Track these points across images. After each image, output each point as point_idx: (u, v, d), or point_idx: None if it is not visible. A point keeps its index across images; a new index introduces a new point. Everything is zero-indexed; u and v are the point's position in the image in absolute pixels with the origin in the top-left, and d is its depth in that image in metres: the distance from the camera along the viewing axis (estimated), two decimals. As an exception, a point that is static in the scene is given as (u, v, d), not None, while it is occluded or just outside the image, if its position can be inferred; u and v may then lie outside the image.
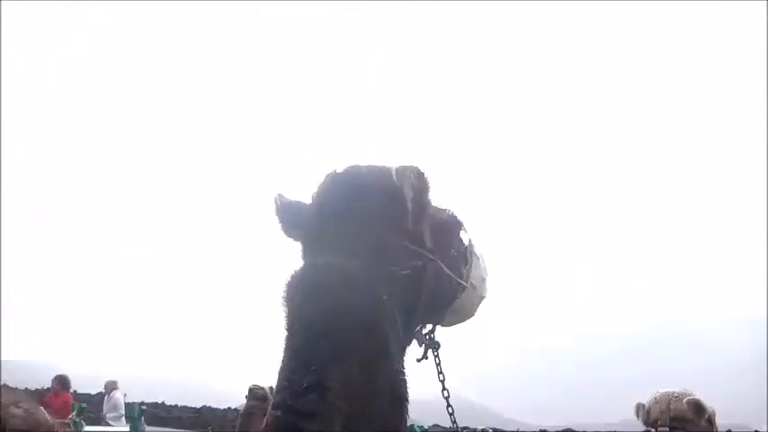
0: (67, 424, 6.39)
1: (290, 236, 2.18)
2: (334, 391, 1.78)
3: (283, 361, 1.90)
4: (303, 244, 2.13)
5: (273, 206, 2.19)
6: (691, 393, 4.08)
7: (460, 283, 2.27)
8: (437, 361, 2.27)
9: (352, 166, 2.15)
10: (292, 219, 2.16)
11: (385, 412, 1.92)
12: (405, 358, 2.07)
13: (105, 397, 18.15)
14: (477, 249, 2.40)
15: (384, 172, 2.08)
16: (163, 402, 45.78)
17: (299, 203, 2.18)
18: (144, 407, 6.74)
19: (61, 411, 12.87)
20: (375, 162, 2.18)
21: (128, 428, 6.90)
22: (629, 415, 4.25)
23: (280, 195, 2.20)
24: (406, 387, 2.00)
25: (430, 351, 2.26)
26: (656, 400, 4.13)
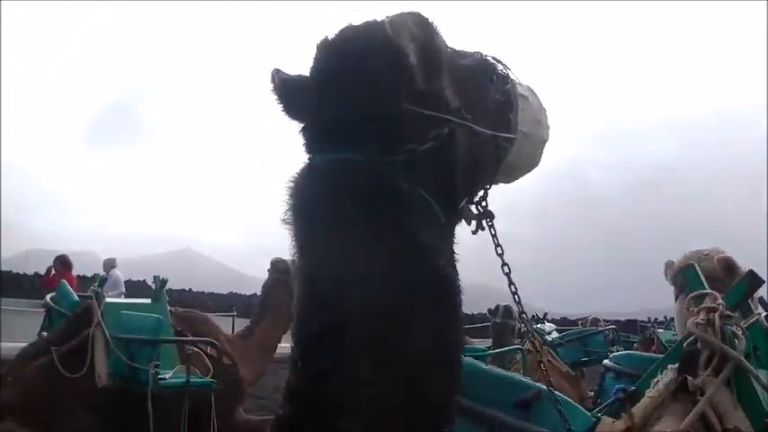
0: (89, 296, 6.29)
1: (293, 118, 1.85)
2: (356, 328, 1.50)
3: (296, 293, 1.63)
4: (304, 135, 1.80)
5: (271, 84, 1.88)
6: (722, 251, 3.82)
7: (506, 137, 1.94)
8: (492, 232, 1.95)
9: (345, 28, 1.78)
10: (293, 98, 1.84)
11: (430, 325, 1.60)
12: (452, 243, 1.75)
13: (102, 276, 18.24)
14: (523, 88, 2.06)
15: (379, 28, 1.69)
16: (190, 289, 46.55)
17: (300, 79, 1.85)
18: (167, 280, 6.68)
19: None
20: (374, 19, 1.77)
21: (148, 300, 6.79)
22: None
23: (277, 71, 1.88)
24: (450, 280, 1.67)
25: (484, 222, 1.94)
26: (686, 258, 3.89)
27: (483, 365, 2.56)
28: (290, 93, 1.83)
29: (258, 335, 7.60)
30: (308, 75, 1.80)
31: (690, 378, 2.19)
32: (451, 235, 1.76)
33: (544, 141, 2.12)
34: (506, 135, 1.94)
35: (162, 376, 5.84)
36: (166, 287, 6.89)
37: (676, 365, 2.27)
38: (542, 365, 2.40)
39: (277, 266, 7.54)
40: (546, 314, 10.68)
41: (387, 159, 1.59)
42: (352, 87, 1.66)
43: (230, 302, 31.70)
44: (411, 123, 1.64)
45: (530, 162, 2.11)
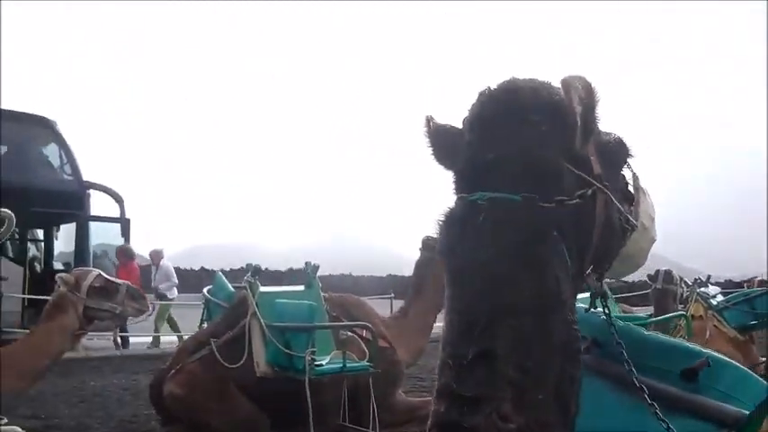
0: (243, 286, 6.41)
1: (441, 164, 1.93)
2: (503, 359, 1.55)
3: (446, 326, 1.67)
4: (456, 175, 1.85)
5: (424, 129, 1.96)
6: None
7: (630, 221, 1.99)
8: (607, 311, 2.07)
9: (509, 81, 1.84)
10: (445, 145, 1.92)
11: (559, 372, 1.65)
12: (575, 307, 1.78)
13: (153, 268, 18.30)
14: (643, 183, 2.12)
15: (546, 85, 1.79)
16: (350, 274, 47.51)
17: (452, 128, 1.93)
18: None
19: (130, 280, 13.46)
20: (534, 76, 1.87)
21: (301, 287, 6.84)
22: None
23: (431, 117, 1.97)
24: (579, 339, 1.73)
25: (598, 300, 2.06)
26: None
27: (643, 331, 2.40)
28: (442, 139, 1.93)
29: (413, 315, 7.54)
30: (458, 125, 1.89)
31: None
32: (576, 297, 1.81)
33: (653, 240, 2.16)
34: (630, 219, 2.00)
35: (318, 362, 5.87)
36: (327, 273, 6.93)
37: None
38: (708, 331, 2.26)
39: (428, 244, 7.46)
40: (709, 276, 10.16)
41: (542, 204, 1.64)
42: (515, 134, 1.71)
43: (389, 285, 32.07)
44: (563, 178, 1.71)
45: (640, 256, 2.15)
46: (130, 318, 6.26)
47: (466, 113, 1.87)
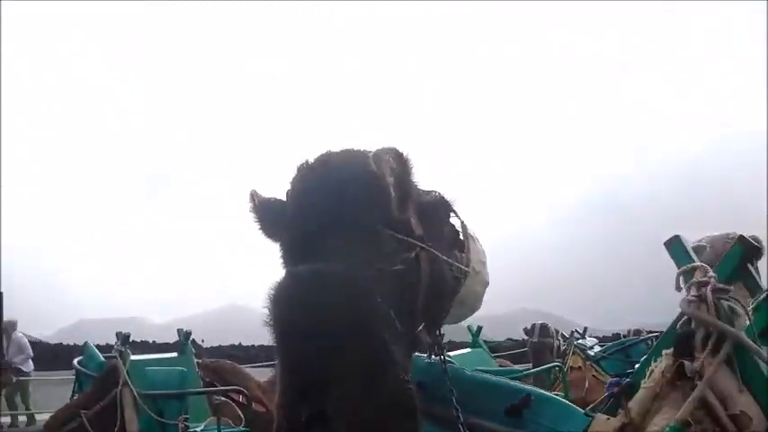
0: (113, 356, 6.28)
1: (269, 236, 2.01)
2: (335, 419, 1.63)
3: (279, 391, 1.77)
4: (283, 248, 1.96)
5: (250, 205, 2.03)
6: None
7: (461, 269, 2.12)
8: (443, 360, 2.17)
9: (325, 155, 1.95)
10: (270, 218, 2.00)
11: (396, 428, 1.75)
12: (410, 364, 1.93)
13: (5, 340, 16.80)
14: (471, 230, 2.25)
15: (359, 158, 1.88)
16: (240, 344, 46.65)
17: (276, 201, 2.01)
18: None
19: None
20: (351, 147, 1.99)
21: (174, 354, 6.75)
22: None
23: (255, 193, 2.03)
24: (413, 397, 1.79)
25: (435, 352, 2.19)
26: (711, 244, 3.71)
27: (466, 371, 2.47)
28: (267, 213, 2.00)
29: None
30: (281, 197, 1.98)
31: (687, 362, 2.07)
32: (410, 356, 1.95)
33: (487, 283, 2.28)
34: (462, 267, 2.11)
35: (193, 429, 5.78)
36: (216, 344, 6.88)
37: (671, 350, 2.15)
38: (588, 381, 2.37)
39: None
40: (586, 329, 10.46)
41: (363, 273, 1.71)
42: (332, 207, 1.79)
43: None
44: (383, 245, 1.80)
45: (475, 300, 2.26)
46: None
47: (288, 185, 1.95)
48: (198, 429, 5.88)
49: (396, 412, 1.72)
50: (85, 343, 7.57)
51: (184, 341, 6.70)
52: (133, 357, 6.22)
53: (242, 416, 6.17)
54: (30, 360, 16.72)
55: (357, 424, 1.63)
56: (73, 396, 7.17)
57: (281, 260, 1.93)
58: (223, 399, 6.20)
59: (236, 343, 49.66)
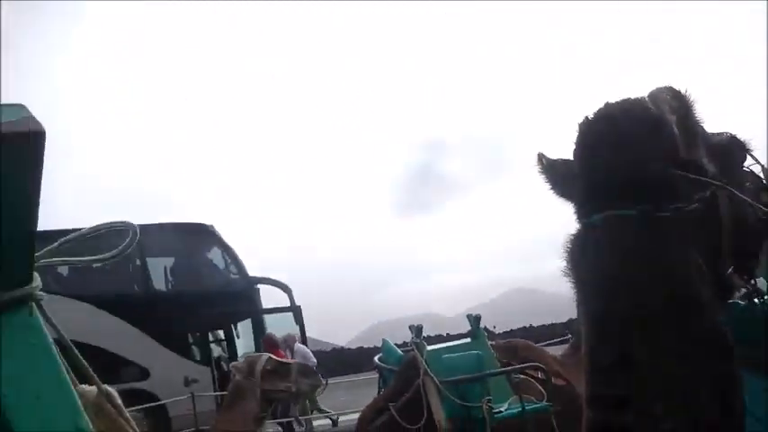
0: (410, 348, 6.50)
1: (561, 196, 2.05)
2: (644, 362, 1.60)
3: (585, 338, 1.77)
4: (576, 204, 1.96)
5: (538, 167, 2.08)
6: None
7: (765, 211, 2.02)
8: (766, 309, 2.10)
9: (603, 107, 1.93)
10: (560, 178, 2.04)
11: (712, 372, 1.67)
12: (720, 306, 1.82)
13: (288, 353, 17.68)
14: None
15: (638, 103, 1.86)
16: (530, 326, 46.87)
17: (563, 161, 2.04)
18: None
19: None
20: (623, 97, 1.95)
21: (467, 340, 6.86)
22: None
23: (542, 155, 2.07)
24: (729, 338, 1.72)
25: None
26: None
27: None
28: (556, 173, 2.04)
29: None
30: (568, 158, 1.99)
31: None
32: (718, 298, 1.83)
33: None
34: (765, 209, 2.02)
35: (497, 409, 5.81)
36: (509, 329, 6.93)
37: None
38: None
39: None
40: None
41: (657, 215, 1.69)
42: (619, 156, 1.79)
43: (569, 329, 31.42)
44: (676, 186, 1.75)
45: None
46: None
47: (571, 144, 1.96)
48: (502, 409, 5.91)
49: (709, 354, 1.66)
50: (383, 340, 7.86)
51: (475, 326, 6.76)
52: (429, 348, 6.36)
53: (543, 391, 6.13)
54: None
55: (665, 366, 1.60)
56: (379, 391, 7.46)
57: (576, 216, 1.94)
58: (522, 376, 6.20)
59: (527, 325, 49.91)
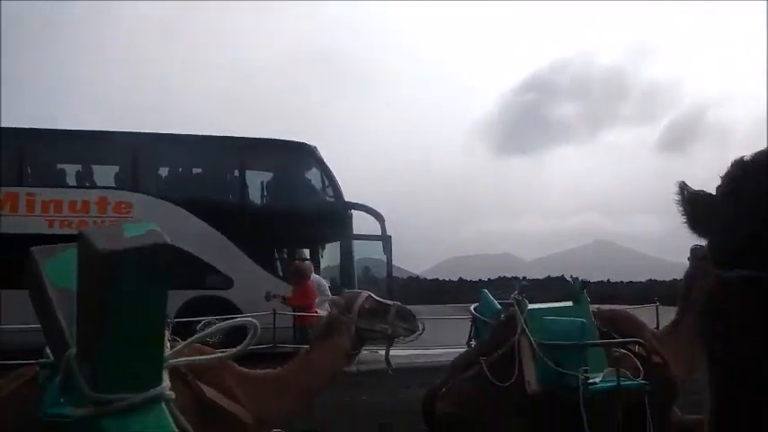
0: (510, 303, 6.41)
1: (695, 232, 1.96)
2: None
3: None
4: (710, 247, 1.92)
5: (678, 197, 1.97)
6: None
7: None
8: None
9: (764, 152, 1.83)
10: (697, 213, 1.94)
11: None
12: None
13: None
14: None
15: None
16: (608, 280, 46.38)
17: (705, 195, 1.94)
18: None
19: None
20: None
21: (569, 303, 6.73)
22: None
23: (684, 185, 1.96)
24: None
25: None
26: None
27: None
28: (697, 207, 1.93)
29: (684, 328, 7.17)
30: (713, 192, 1.91)
31: None
32: None
33: None
34: None
35: (592, 380, 5.72)
36: (586, 281, 6.79)
37: None
38: None
39: (696, 254, 7.07)
40: None
41: None
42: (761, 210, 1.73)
43: (649, 290, 31.03)
44: None
45: None
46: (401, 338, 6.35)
47: (720, 181, 1.90)
48: (596, 380, 5.82)
49: None
50: (482, 291, 7.79)
51: (580, 289, 6.62)
52: (530, 306, 6.27)
53: (640, 368, 6.01)
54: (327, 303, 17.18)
55: None
56: (469, 340, 7.42)
57: (711, 258, 1.90)
58: (622, 350, 6.07)
59: (605, 279, 49.55)
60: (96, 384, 1.05)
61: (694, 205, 1.95)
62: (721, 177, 1.89)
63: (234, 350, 1.34)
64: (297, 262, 17.60)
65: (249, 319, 1.32)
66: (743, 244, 1.77)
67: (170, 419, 1.05)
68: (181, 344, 1.26)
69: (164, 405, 1.08)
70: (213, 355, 1.33)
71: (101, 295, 1.00)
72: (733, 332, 1.73)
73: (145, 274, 1.00)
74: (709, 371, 1.79)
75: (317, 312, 14.19)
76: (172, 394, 1.05)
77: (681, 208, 1.97)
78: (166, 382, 1.08)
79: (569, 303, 6.63)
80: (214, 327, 1.33)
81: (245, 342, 1.31)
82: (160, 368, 1.08)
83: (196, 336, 1.32)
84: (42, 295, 1.17)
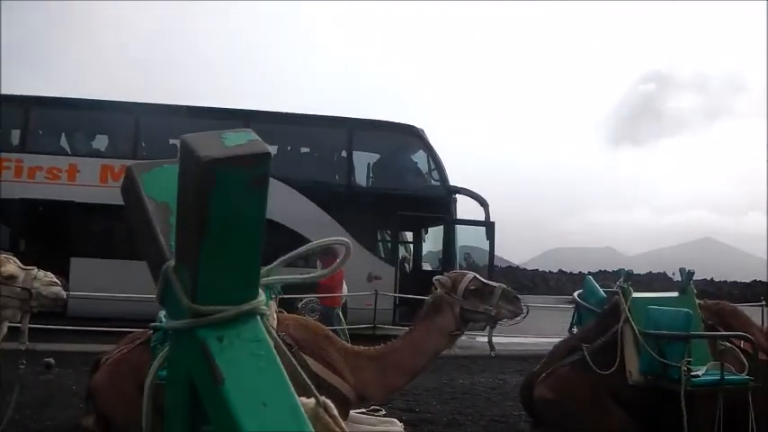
0: (615, 291, 6.38)
1: None
2: None
3: None
4: None
5: None
6: None
7: None
8: None
9: None
10: None
11: None
12: None
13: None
14: None
15: None
16: (711, 279, 45.02)
17: None
18: None
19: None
20: None
21: (675, 293, 6.65)
22: None
23: None
24: None
25: None
26: None
27: None
28: None
29: None
30: None
31: None
32: None
33: None
34: None
35: (695, 373, 5.66)
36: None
37: None
38: None
39: None
40: None
41: None
42: None
43: (755, 291, 30.15)
44: None
45: None
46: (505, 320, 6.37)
47: None
48: (700, 373, 5.74)
49: None
50: (585, 278, 7.75)
51: (687, 280, 6.53)
52: (635, 295, 6.22)
53: (746, 363, 5.91)
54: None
55: None
56: (571, 327, 7.39)
57: None
58: (727, 344, 5.98)
59: (709, 278, 48.28)
60: (194, 296, 1.08)
61: None
62: None
63: (326, 270, 1.35)
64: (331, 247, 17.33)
65: (341, 238, 1.33)
66: None
67: (265, 333, 1.09)
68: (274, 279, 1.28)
69: (259, 319, 1.11)
70: (306, 275, 1.25)
71: (201, 204, 1.02)
72: None
73: (245, 185, 1.02)
74: None
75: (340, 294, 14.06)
76: (267, 309, 1.09)
77: None
78: (262, 297, 1.12)
79: (675, 294, 6.55)
80: (305, 246, 1.33)
81: (338, 261, 1.34)
82: (256, 282, 1.11)
83: (289, 255, 1.33)
84: (140, 209, 1.20)
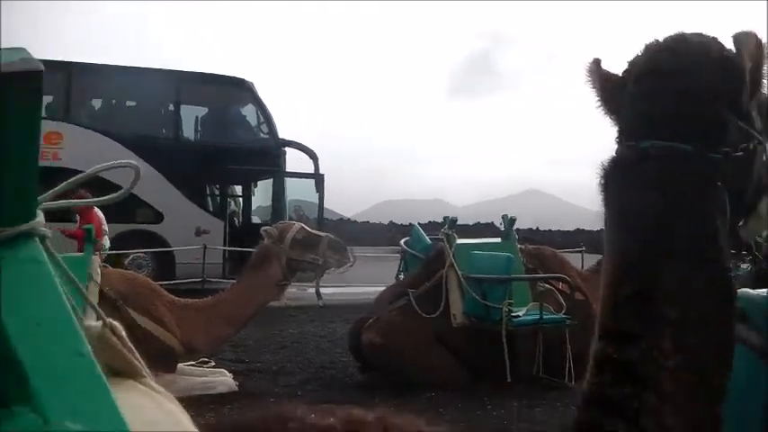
0: (440, 238, 6.53)
1: (605, 108, 1.89)
2: (662, 299, 1.56)
3: (605, 267, 1.64)
4: (621, 123, 1.83)
5: (589, 76, 1.90)
6: None
7: None
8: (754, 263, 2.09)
9: (678, 35, 1.84)
10: (611, 93, 1.87)
11: (717, 319, 1.65)
12: (730, 255, 1.76)
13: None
14: None
15: (714, 40, 1.77)
16: (537, 228, 46.90)
17: (616, 76, 1.87)
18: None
19: None
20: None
21: (497, 239, 6.85)
22: None
23: (598, 61, 1.90)
24: (734, 288, 1.70)
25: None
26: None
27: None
28: (609, 87, 1.88)
29: None
30: (621, 74, 1.87)
31: None
32: (730, 248, 1.79)
33: None
34: None
35: (515, 313, 5.89)
36: (515, 227, 6.93)
37: None
38: None
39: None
40: None
41: (710, 155, 1.65)
42: (684, 86, 1.72)
43: (578, 239, 31.61)
44: (729, 131, 1.70)
45: None
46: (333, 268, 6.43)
47: (629, 64, 1.85)
48: (520, 314, 5.98)
49: (719, 297, 1.64)
50: (413, 226, 7.89)
51: (509, 227, 6.76)
52: (459, 241, 6.39)
53: (563, 303, 6.19)
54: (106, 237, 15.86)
55: (683, 306, 1.57)
56: (398, 275, 7.55)
57: (618, 135, 1.82)
58: (546, 285, 6.25)
59: (534, 227, 50.21)
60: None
61: (605, 83, 1.90)
62: (630, 62, 1.86)
63: (116, 194, 1.29)
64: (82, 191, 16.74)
65: (128, 161, 1.28)
66: (651, 118, 1.75)
67: (44, 254, 1.05)
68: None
69: (38, 240, 1.07)
70: (89, 200, 1.19)
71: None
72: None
73: (17, 102, 1.01)
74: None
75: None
76: (47, 231, 1.05)
77: (592, 85, 1.92)
78: (41, 218, 1.08)
79: (497, 240, 6.78)
80: (90, 170, 1.26)
81: (130, 183, 1.28)
82: (33, 203, 1.08)
83: (73, 179, 1.27)
84: None
